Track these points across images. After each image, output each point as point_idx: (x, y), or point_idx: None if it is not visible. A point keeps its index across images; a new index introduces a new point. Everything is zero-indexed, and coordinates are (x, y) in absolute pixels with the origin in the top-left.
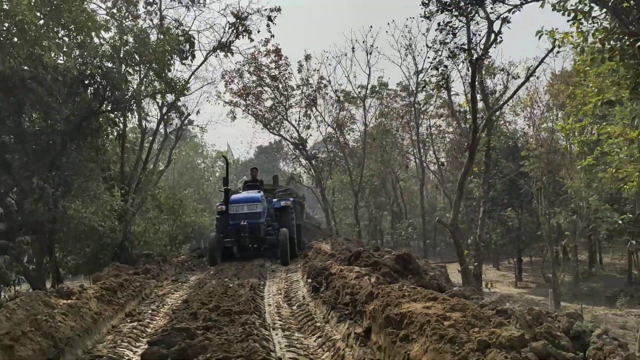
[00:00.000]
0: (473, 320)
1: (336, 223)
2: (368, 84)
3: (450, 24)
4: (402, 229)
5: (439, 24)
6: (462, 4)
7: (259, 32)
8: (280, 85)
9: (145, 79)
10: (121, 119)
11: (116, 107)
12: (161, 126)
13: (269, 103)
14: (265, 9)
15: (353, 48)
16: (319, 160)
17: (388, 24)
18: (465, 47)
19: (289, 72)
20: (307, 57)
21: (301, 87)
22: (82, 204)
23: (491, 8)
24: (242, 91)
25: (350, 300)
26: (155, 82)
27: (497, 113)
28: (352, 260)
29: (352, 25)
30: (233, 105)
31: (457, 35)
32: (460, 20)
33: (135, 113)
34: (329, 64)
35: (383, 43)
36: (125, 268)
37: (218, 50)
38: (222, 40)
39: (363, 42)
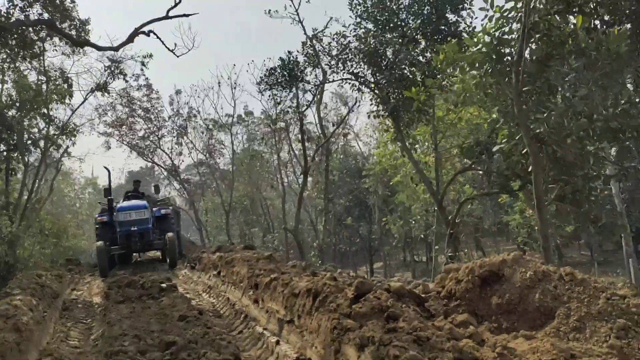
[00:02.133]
0: (267, 262)
1: (210, 241)
2: (234, 113)
3: (275, 96)
4: (270, 242)
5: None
6: (280, 85)
7: (133, 75)
8: (152, 117)
9: (35, 122)
10: (19, 158)
11: (14, 149)
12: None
13: (142, 133)
14: (139, 56)
15: (219, 83)
16: (191, 184)
17: (248, 64)
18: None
19: (161, 105)
20: (178, 92)
21: (172, 117)
22: None
23: (302, 85)
24: (115, 122)
25: (213, 266)
26: (45, 125)
27: (341, 139)
28: (215, 251)
29: (218, 63)
30: (107, 135)
31: (282, 101)
32: (284, 90)
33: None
34: (198, 96)
35: (245, 79)
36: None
37: (96, 91)
38: (100, 81)
39: (228, 78)
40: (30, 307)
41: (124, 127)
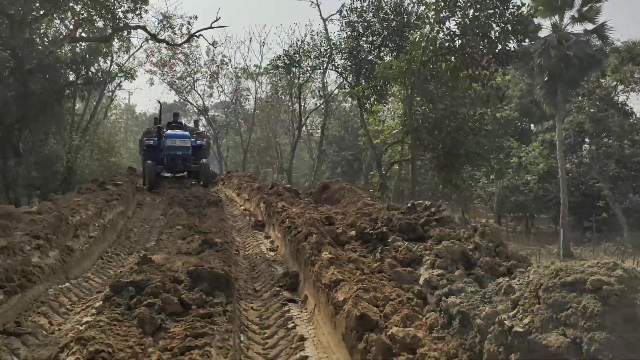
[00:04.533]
0: (249, 178)
1: None
2: (261, 64)
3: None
4: (280, 183)
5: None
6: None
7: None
8: (190, 61)
9: (100, 62)
10: (87, 91)
11: (88, 83)
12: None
13: (180, 74)
14: (186, 16)
15: (250, 38)
16: (217, 123)
17: (276, 27)
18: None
19: (199, 53)
20: (214, 43)
21: (207, 63)
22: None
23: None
24: (159, 62)
25: (221, 181)
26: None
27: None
28: (226, 174)
29: (250, 21)
30: (152, 73)
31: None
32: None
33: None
34: (231, 48)
35: (272, 39)
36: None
37: (149, 40)
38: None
39: (258, 36)
40: (126, 188)
41: (166, 67)
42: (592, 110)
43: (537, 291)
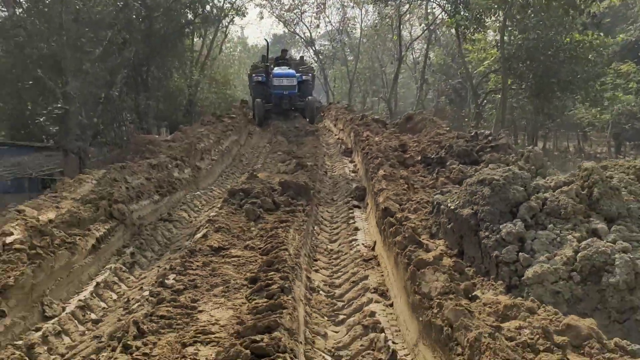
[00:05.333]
0: (345, 109)
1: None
2: None
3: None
4: (370, 114)
5: None
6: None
7: None
8: None
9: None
10: (204, 28)
11: (204, 21)
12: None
13: (287, 6)
14: None
15: None
16: (324, 54)
17: None
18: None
19: None
20: None
21: None
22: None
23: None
24: None
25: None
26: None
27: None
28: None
29: None
30: (262, 7)
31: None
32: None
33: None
34: None
35: None
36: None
37: None
38: None
39: None
40: (239, 120)
41: (274, 0)
42: None
43: (466, 185)
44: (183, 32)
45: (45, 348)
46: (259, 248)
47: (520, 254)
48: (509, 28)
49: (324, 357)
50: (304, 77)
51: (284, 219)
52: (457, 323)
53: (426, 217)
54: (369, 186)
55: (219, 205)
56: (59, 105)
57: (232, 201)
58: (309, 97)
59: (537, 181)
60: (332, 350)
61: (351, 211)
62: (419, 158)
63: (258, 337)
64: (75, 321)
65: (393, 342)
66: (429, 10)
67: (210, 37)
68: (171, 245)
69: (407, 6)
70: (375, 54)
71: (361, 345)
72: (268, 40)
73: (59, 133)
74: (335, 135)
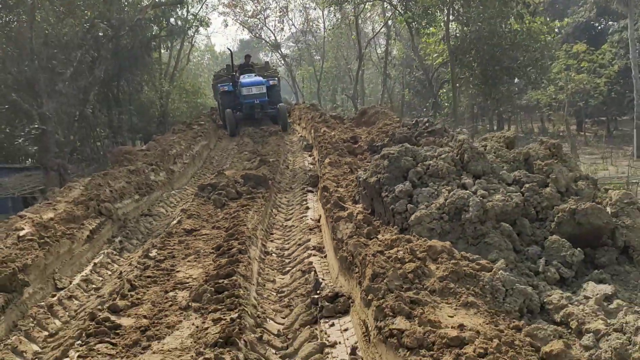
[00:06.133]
0: (309, 108)
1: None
2: None
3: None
4: (328, 112)
5: None
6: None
7: None
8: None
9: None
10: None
11: (170, 33)
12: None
13: (251, 13)
14: None
15: None
16: (289, 57)
17: None
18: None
19: None
20: None
21: None
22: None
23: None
24: (231, 3)
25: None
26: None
27: None
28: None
29: None
30: (225, 15)
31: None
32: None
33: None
34: None
35: None
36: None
37: None
38: None
39: None
40: (207, 127)
41: (237, 7)
42: None
43: (373, 160)
44: (150, 46)
45: (61, 307)
46: (224, 227)
47: (408, 205)
48: (453, 22)
49: (270, 293)
50: (271, 82)
51: (245, 204)
52: (355, 252)
53: (352, 189)
54: (319, 172)
55: (190, 199)
56: (36, 125)
57: (202, 194)
58: (280, 104)
59: (425, 152)
60: (277, 288)
61: (305, 195)
62: (367, 147)
63: (220, 281)
64: (81, 289)
65: (322, 279)
66: (386, 7)
67: (177, 48)
68: (152, 234)
69: (361, 6)
70: (341, 53)
71: (298, 283)
72: (231, 50)
73: (38, 152)
74: (299, 133)
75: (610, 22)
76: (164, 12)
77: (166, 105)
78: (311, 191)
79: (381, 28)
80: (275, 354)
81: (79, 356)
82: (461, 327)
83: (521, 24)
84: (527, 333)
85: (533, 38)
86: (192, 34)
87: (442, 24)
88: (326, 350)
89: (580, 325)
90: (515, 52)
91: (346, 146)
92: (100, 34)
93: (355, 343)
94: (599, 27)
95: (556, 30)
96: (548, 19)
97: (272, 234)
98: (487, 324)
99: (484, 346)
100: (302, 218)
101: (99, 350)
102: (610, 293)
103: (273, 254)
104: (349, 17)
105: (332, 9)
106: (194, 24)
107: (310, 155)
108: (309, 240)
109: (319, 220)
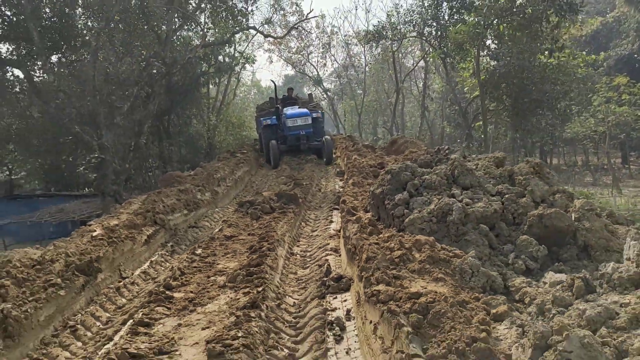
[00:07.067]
0: (347, 139)
1: None
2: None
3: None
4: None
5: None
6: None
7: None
8: (303, 36)
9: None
10: (218, 77)
11: (218, 70)
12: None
13: (295, 49)
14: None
15: (356, 7)
16: (331, 91)
17: None
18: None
19: (310, 27)
20: (322, 16)
21: (318, 36)
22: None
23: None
24: (275, 41)
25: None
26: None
27: None
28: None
29: None
30: (270, 51)
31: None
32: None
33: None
34: (339, 18)
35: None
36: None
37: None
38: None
39: (363, 3)
40: (249, 155)
41: (282, 45)
42: None
43: (380, 176)
44: (199, 82)
45: (126, 290)
46: (258, 234)
47: (405, 210)
48: (484, 57)
49: (291, 280)
50: (314, 115)
51: (277, 216)
52: (357, 244)
53: (365, 199)
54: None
55: (231, 213)
56: (96, 155)
57: (241, 209)
58: (326, 137)
59: (422, 168)
60: (298, 277)
61: (331, 212)
62: None
63: (251, 268)
64: (141, 279)
65: (334, 269)
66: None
67: (225, 84)
68: (198, 241)
69: (395, 44)
70: (382, 86)
71: (314, 273)
72: (275, 82)
73: (97, 179)
74: (334, 162)
75: None
76: (213, 50)
77: (213, 138)
78: (337, 209)
79: (418, 62)
80: (290, 315)
81: (142, 314)
82: (423, 288)
83: (549, 58)
84: (483, 301)
85: (562, 71)
86: (239, 70)
87: (472, 59)
88: (328, 312)
89: (532, 301)
90: (545, 85)
91: (372, 170)
92: (154, 71)
93: (351, 308)
94: None
95: (597, 62)
96: (584, 52)
97: (299, 241)
98: (448, 291)
99: (434, 298)
100: (325, 229)
101: (157, 311)
102: (564, 280)
103: (297, 255)
104: (389, 51)
105: (372, 44)
106: (241, 61)
107: (341, 180)
108: (328, 244)
109: (339, 230)
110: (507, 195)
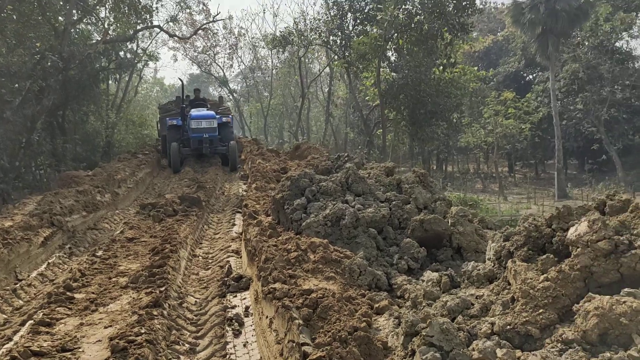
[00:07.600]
0: (252, 142)
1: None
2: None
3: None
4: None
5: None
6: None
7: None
8: (209, 36)
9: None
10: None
11: (118, 66)
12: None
13: (201, 49)
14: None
15: (264, 10)
16: (238, 92)
17: None
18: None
19: (216, 28)
20: (230, 17)
21: (225, 37)
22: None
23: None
24: (181, 39)
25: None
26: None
27: None
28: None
29: None
30: (175, 50)
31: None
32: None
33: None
34: (247, 20)
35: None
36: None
37: (169, 22)
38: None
39: (271, 7)
40: (151, 156)
41: (187, 43)
42: (587, 57)
43: (281, 182)
44: (98, 78)
45: (23, 292)
46: (160, 237)
47: (303, 215)
48: (383, 69)
49: (193, 281)
50: (224, 119)
51: (180, 219)
52: (257, 246)
53: (268, 205)
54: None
55: (132, 215)
56: None
57: (143, 212)
58: (232, 142)
59: (323, 175)
60: (199, 278)
61: (234, 215)
62: None
63: (153, 270)
64: (38, 281)
65: (235, 270)
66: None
67: (126, 80)
68: (97, 243)
69: (302, 49)
70: (288, 90)
71: (216, 274)
72: (183, 80)
73: None
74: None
75: (539, 72)
76: (114, 46)
77: (112, 136)
78: (240, 212)
79: (322, 70)
80: (191, 313)
81: (43, 314)
82: (315, 285)
83: (442, 73)
84: (368, 297)
85: (454, 85)
86: (141, 68)
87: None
88: (228, 310)
89: (410, 296)
90: (439, 98)
91: (275, 175)
92: (49, 64)
93: (250, 305)
94: (527, 77)
95: (487, 77)
96: (476, 68)
97: (201, 243)
98: (338, 288)
99: (324, 294)
100: (228, 232)
101: (58, 312)
102: (439, 278)
103: (200, 257)
104: (295, 57)
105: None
106: (143, 58)
107: (245, 184)
108: (230, 246)
109: (241, 233)
110: (394, 202)
